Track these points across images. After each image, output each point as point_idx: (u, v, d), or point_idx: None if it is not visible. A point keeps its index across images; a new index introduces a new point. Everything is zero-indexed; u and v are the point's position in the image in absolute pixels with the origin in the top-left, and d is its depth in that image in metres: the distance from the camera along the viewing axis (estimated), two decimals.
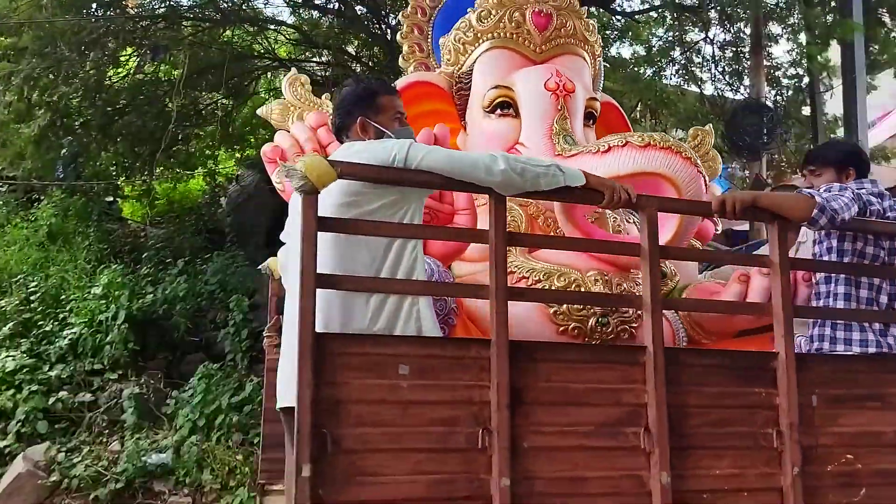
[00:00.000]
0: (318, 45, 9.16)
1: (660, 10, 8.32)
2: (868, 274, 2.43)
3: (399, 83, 3.35)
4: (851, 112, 7.18)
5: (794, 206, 2.25)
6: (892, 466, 2.18)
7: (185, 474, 5.30)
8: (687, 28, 8.04)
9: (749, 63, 6.53)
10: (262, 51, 9.21)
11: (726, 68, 8.22)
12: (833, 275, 2.44)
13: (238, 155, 10.31)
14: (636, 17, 8.94)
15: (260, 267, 3.97)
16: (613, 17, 8.95)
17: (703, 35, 7.87)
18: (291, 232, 2.18)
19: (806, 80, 8.16)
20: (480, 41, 3.40)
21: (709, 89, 8.59)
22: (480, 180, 1.98)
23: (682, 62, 8.21)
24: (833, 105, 8.41)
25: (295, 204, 2.09)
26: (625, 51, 8.97)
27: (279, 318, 3.98)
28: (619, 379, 1.97)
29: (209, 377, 5.96)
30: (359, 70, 9.72)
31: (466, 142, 3.44)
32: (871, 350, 2.36)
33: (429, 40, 3.85)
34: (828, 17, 6.45)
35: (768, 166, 9.34)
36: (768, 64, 8.25)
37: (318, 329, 1.76)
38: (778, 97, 8.32)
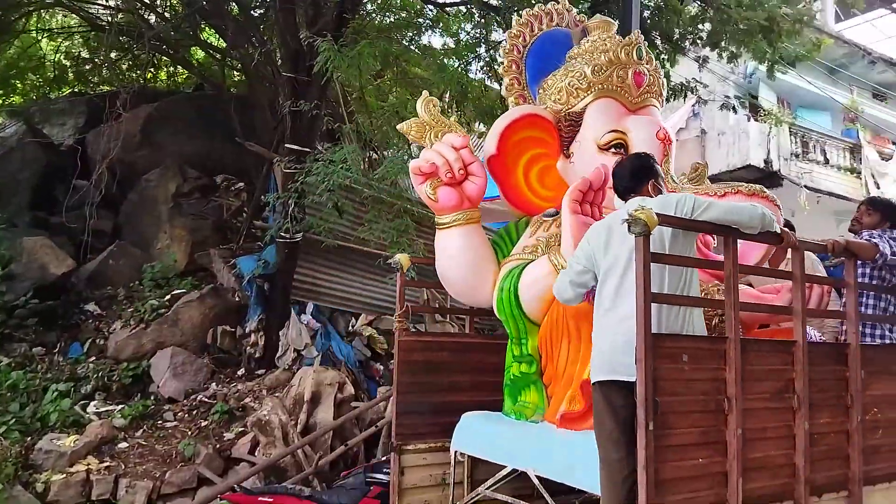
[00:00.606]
0: None
1: (468, 6, 8.66)
2: (885, 292, 3.98)
3: (517, 112, 4.18)
4: None
5: (867, 250, 3.69)
6: None
7: None
8: (492, 27, 8.44)
9: None
10: None
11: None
12: (867, 292, 3.92)
13: None
14: (447, 8, 9.21)
15: (391, 261, 4.43)
16: (426, 6, 9.16)
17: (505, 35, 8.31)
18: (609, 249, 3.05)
19: None
20: (592, 90, 4.12)
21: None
22: (744, 226, 2.98)
23: (487, 59, 8.62)
24: None
25: (609, 232, 3.04)
26: (436, 40, 9.21)
27: (409, 307, 4.43)
28: (781, 362, 3.23)
29: None
30: (153, 20, 8.89)
31: (569, 168, 4.17)
32: (887, 342, 3.95)
33: (523, 75, 4.51)
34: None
35: None
36: None
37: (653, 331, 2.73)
38: None
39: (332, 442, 6.47)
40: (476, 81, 8.37)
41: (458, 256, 4.10)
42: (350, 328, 8.23)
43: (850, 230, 4.25)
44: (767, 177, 12.94)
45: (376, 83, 9.14)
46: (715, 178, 13.34)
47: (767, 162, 12.80)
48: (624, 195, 3.19)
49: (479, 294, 4.14)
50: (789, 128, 13.42)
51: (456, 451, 4.12)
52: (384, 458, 5.66)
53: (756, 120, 13.23)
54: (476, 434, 4.05)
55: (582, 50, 4.30)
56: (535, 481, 3.57)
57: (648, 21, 8.88)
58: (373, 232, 6.05)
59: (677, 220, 2.91)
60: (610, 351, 2.91)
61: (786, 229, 3.24)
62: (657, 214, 2.69)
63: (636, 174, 3.19)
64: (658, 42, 9.12)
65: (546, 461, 3.53)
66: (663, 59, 9.24)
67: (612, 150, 4.00)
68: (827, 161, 13.68)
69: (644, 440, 2.61)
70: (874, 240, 3.76)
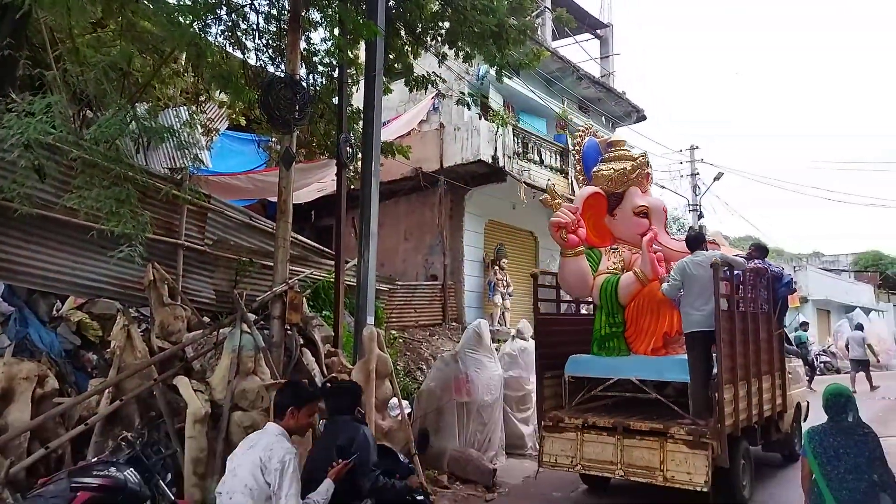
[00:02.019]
0: None
1: None
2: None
3: (588, 190, 7.83)
4: (370, 107, 8.17)
5: (740, 264, 7.39)
6: None
7: None
8: None
9: (287, 39, 6.79)
10: None
11: (270, 42, 8.45)
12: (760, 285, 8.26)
13: None
14: None
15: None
16: None
17: (249, 1, 8.08)
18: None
19: (337, 71, 8.96)
20: (629, 182, 7.90)
21: (252, 60, 8.72)
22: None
23: (229, 24, 8.09)
24: (357, 99, 9.48)
25: (684, 269, 6.90)
26: None
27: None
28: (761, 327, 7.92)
29: None
30: None
31: (614, 222, 7.95)
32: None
33: (580, 167, 8.55)
34: (359, 16, 7.14)
35: (300, 144, 10.00)
36: (306, 47, 8.80)
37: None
38: (312, 79, 8.95)
39: (29, 445, 5.52)
40: (216, 46, 7.78)
41: (577, 272, 7.56)
42: (55, 312, 7.12)
43: (745, 258, 8.29)
44: (495, 172, 14.22)
45: (95, 33, 8.03)
46: (450, 170, 14.35)
47: (495, 158, 14.02)
48: (692, 249, 7.12)
49: (586, 290, 7.77)
50: (513, 129, 14.87)
51: (567, 375, 7.58)
52: (95, 460, 5.00)
53: (486, 119, 14.44)
54: (579, 364, 7.56)
55: (613, 156, 8.22)
56: (637, 382, 7.13)
57: (394, 11, 9.13)
58: (84, 200, 5.25)
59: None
60: (697, 320, 6.70)
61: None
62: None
63: (697, 241, 7.27)
64: (403, 33, 9.45)
65: (643, 371, 7.15)
66: (406, 49, 9.60)
67: (643, 216, 7.79)
68: (542, 161, 15.44)
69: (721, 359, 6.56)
70: (756, 264, 8.07)
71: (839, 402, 4.10)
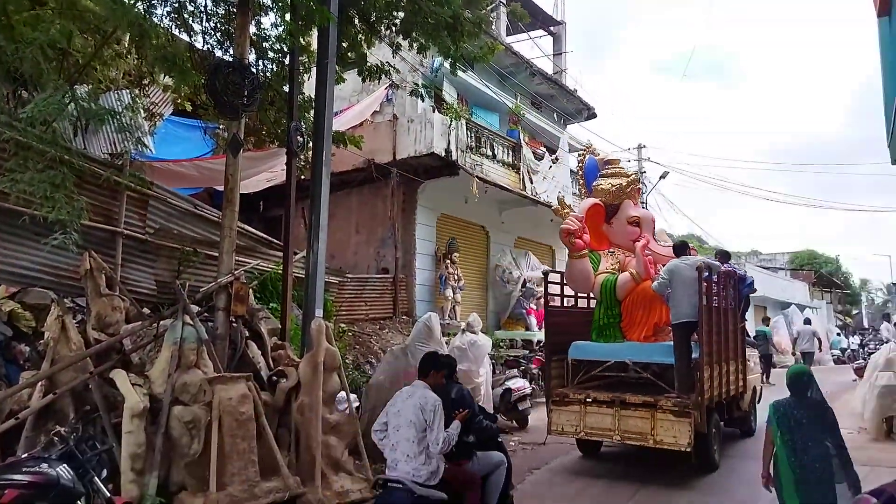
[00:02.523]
0: None
1: None
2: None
3: (590, 202, 9.37)
4: (322, 95, 8.03)
5: (716, 268, 8.81)
6: None
7: None
8: None
9: (236, 23, 6.59)
10: None
11: (218, 25, 8.20)
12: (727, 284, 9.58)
13: None
14: None
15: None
16: None
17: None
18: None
19: (289, 58, 8.77)
20: (623, 196, 9.47)
21: (199, 43, 8.47)
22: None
23: (176, 5, 7.82)
24: (309, 87, 9.30)
25: (672, 270, 8.22)
26: None
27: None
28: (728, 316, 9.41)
29: None
30: None
31: (611, 230, 9.51)
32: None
33: (582, 181, 10.22)
34: (312, 2, 6.99)
35: (249, 131, 9.77)
36: (256, 32, 8.58)
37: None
38: (261, 65, 8.74)
39: None
40: (161, 28, 7.52)
41: (582, 271, 9.10)
42: None
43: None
44: (447, 165, 14.19)
45: (34, 10, 7.64)
46: (403, 162, 14.28)
47: (448, 152, 14.01)
48: (678, 254, 8.39)
49: (589, 287, 9.35)
50: (466, 123, 14.89)
51: (571, 358, 8.95)
52: (25, 456, 4.78)
53: (440, 112, 14.40)
54: (581, 349, 8.94)
55: (609, 172, 9.81)
56: (630, 364, 8.52)
57: None
58: (17, 184, 5.00)
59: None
60: (685, 312, 7.90)
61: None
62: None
63: (683, 248, 8.54)
64: (356, 21, 9.31)
65: (636, 355, 8.52)
66: (360, 38, 9.47)
67: (634, 225, 9.37)
68: (495, 156, 15.50)
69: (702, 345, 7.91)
70: (726, 267, 9.51)
71: (802, 381, 4.71)
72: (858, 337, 32.28)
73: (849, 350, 28.56)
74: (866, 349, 24.74)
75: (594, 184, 9.74)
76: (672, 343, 8.20)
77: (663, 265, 8.59)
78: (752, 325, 20.43)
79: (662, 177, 22.70)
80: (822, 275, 47.08)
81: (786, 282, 37.26)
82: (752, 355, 11.10)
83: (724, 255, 10.33)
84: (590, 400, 8.25)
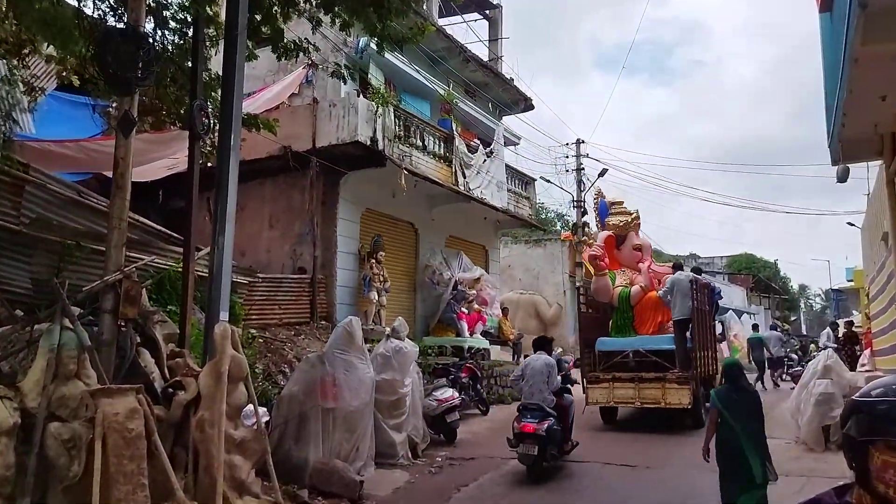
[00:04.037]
0: None
1: None
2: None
3: (604, 234, 14.69)
4: (230, 73, 7.74)
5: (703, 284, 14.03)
6: None
7: None
8: None
9: None
10: None
11: None
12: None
13: None
14: None
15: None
16: None
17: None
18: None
19: (192, 29, 8.43)
20: (629, 229, 14.60)
21: (89, 9, 8.06)
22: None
23: None
24: (217, 63, 8.98)
25: (674, 283, 13.02)
26: None
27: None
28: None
29: None
30: None
31: (620, 255, 14.55)
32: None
33: (597, 218, 15.55)
34: None
35: (147, 111, 9.35)
36: None
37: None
38: (160, 35, 8.38)
39: None
40: None
41: (605, 286, 13.84)
42: None
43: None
44: (373, 155, 14.04)
45: None
46: (324, 150, 14.03)
47: (374, 140, 13.87)
48: (676, 271, 13.41)
49: (609, 298, 13.89)
50: (395, 110, 14.79)
51: (597, 350, 13.39)
52: None
53: (365, 97, 14.23)
54: (605, 343, 13.45)
55: (617, 211, 14.72)
56: (643, 351, 12.89)
57: None
58: None
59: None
60: (681, 312, 12.51)
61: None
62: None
63: (679, 266, 14.02)
64: None
65: (646, 344, 13.02)
66: (276, 12, 9.23)
67: (638, 251, 14.36)
68: (425, 147, 15.49)
69: (693, 338, 12.62)
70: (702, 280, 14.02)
71: (734, 371, 6.32)
72: (798, 342, 34.07)
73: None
74: (805, 357, 26.19)
75: (606, 220, 14.67)
76: (672, 335, 12.60)
77: (659, 280, 13.52)
78: (747, 331, 24.07)
79: (601, 174, 23.33)
80: (759, 280, 49.35)
81: (724, 286, 38.96)
82: (721, 345, 17.25)
83: (697, 271, 14.17)
84: (616, 378, 12.56)
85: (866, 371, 12.68)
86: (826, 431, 10.51)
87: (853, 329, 18.05)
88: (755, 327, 24.64)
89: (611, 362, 12.95)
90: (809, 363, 12.68)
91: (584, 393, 12.65)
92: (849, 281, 33.17)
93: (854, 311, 27.38)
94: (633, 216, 14.55)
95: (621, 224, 14.32)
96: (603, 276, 13.63)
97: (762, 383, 20.11)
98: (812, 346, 23.22)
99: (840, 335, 18.35)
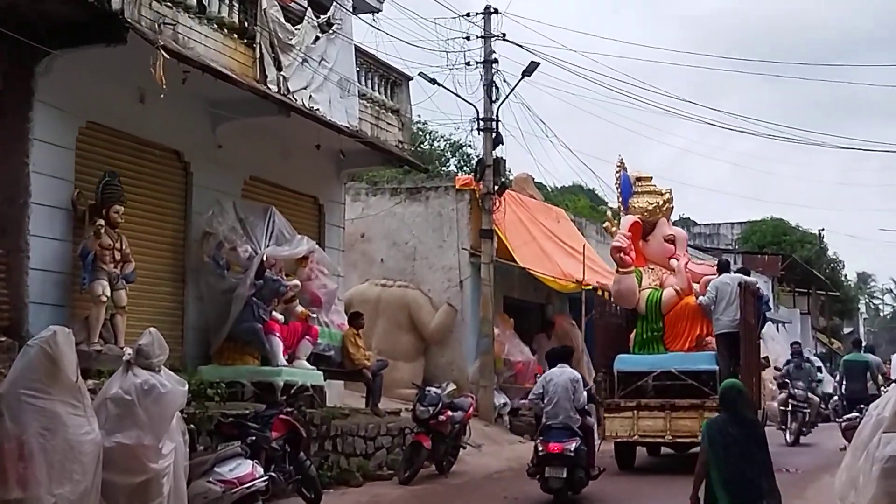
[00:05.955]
0: None
1: None
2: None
3: (631, 219, 13.57)
4: None
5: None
6: None
7: None
8: None
9: None
10: None
11: None
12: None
13: None
14: None
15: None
16: None
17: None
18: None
19: None
20: (659, 214, 13.92)
21: None
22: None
23: None
24: None
25: (719, 287, 12.49)
26: None
27: None
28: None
29: None
30: None
31: (647, 246, 13.76)
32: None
33: (619, 197, 14.13)
34: None
35: None
36: None
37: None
38: None
39: None
40: None
41: (630, 286, 13.01)
42: None
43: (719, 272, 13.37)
44: (102, 19, 9.49)
45: None
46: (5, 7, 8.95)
47: None
48: (721, 272, 13.14)
49: (634, 302, 13.23)
50: None
51: (617, 370, 12.82)
52: None
53: None
54: (625, 362, 13.03)
55: (643, 190, 13.94)
56: (675, 371, 12.41)
57: None
58: None
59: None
60: (725, 324, 12.35)
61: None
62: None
63: (726, 267, 13.85)
64: None
65: (681, 364, 12.58)
66: None
67: (670, 242, 13.67)
68: (204, 8, 10.46)
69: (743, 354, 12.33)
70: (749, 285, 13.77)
71: (731, 395, 6.09)
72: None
73: (835, 397, 20.17)
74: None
75: (630, 202, 13.32)
76: (713, 353, 12.06)
77: (697, 282, 12.79)
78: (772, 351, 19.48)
79: (528, 72, 17.49)
80: (794, 263, 35.52)
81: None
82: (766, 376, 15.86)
83: (744, 271, 13.86)
84: (642, 406, 12.15)
85: None
86: None
87: None
88: (796, 349, 19.40)
89: (634, 386, 12.46)
90: (871, 406, 9.17)
91: (598, 425, 11.76)
92: None
93: None
94: (666, 197, 13.56)
95: (651, 207, 13.36)
96: (627, 276, 12.75)
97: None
98: (874, 380, 16.03)
99: None
